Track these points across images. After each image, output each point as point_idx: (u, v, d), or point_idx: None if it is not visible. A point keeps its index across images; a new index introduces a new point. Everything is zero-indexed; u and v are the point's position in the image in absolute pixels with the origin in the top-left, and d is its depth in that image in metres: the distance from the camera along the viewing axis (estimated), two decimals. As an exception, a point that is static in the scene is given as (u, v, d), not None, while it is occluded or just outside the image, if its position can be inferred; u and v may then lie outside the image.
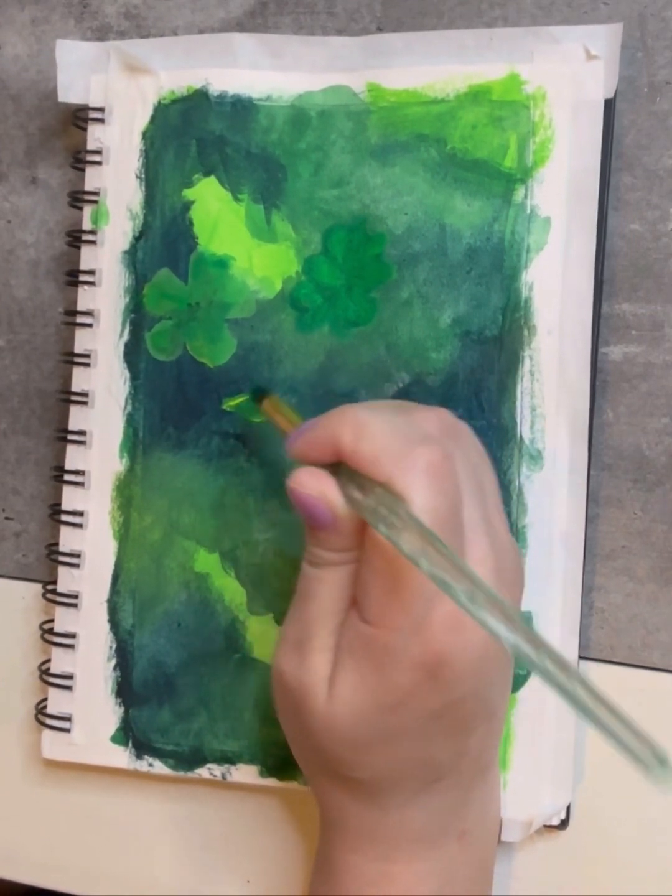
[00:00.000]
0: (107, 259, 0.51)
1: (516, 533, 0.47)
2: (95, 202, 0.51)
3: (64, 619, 0.52)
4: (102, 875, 0.53)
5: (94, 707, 0.51)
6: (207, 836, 0.52)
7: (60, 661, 0.52)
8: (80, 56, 0.52)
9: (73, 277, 0.52)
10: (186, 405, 0.50)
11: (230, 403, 0.49)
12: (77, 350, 0.52)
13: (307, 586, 0.41)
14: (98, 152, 0.51)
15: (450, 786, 0.42)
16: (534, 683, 0.46)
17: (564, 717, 0.46)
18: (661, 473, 0.47)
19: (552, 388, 0.46)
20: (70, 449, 0.52)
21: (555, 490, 0.46)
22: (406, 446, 0.38)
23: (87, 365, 0.51)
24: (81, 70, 0.52)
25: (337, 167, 0.49)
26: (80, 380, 0.52)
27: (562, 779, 0.46)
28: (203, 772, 0.50)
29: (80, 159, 0.52)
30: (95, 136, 0.52)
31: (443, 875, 0.43)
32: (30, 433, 0.55)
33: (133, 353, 0.51)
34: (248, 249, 0.50)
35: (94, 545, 0.51)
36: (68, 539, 0.52)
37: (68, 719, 0.51)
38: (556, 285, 0.46)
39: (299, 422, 0.43)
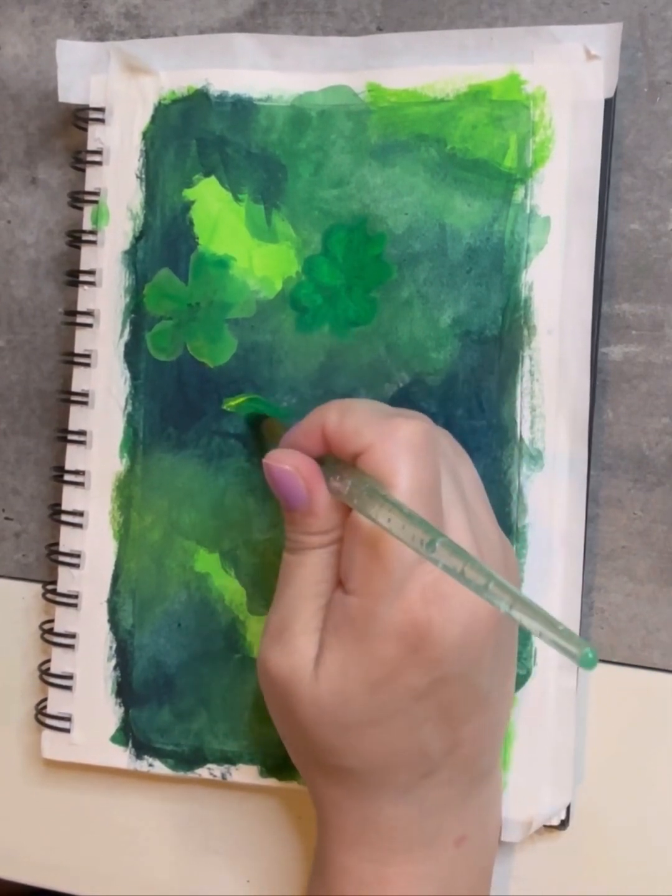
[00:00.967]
0: (107, 259, 0.51)
1: (516, 533, 0.47)
2: (95, 202, 0.51)
3: (64, 619, 0.52)
4: (102, 875, 0.53)
5: (94, 707, 0.51)
6: (207, 836, 0.52)
7: (60, 661, 0.52)
8: (81, 56, 0.52)
9: (74, 277, 0.52)
10: (187, 405, 0.50)
11: (230, 403, 0.49)
12: (77, 350, 0.52)
13: (287, 573, 0.42)
14: (98, 152, 0.51)
15: (444, 782, 0.41)
16: (534, 684, 0.46)
17: (564, 717, 0.46)
18: (661, 473, 0.47)
19: (552, 388, 0.46)
20: (70, 449, 0.52)
21: (555, 490, 0.46)
22: (387, 418, 0.39)
23: (88, 365, 0.51)
24: (81, 70, 0.52)
25: (337, 167, 0.49)
26: (80, 380, 0.52)
27: (562, 779, 0.46)
28: (203, 772, 0.50)
29: (80, 159, 0.52)
30: (96, 136, 0.52)
31: (440, 880, 0.42)
32: (30, 433, 0.55)
33: (133, 353, 0.51)
34: (249, 249, 0.50)
35: (94, 545, 0.51)
36: (68, 539, 0.52)
37: (68, 719, 0.51)
38: (556, 285, 0.46)
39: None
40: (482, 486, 0.43)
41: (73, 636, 0.51)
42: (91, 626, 0.51)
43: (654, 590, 0.47)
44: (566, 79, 0.46)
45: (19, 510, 0.55)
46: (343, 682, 0.39)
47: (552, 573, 0.46)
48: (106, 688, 0.51)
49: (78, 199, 0.52)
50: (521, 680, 0.46)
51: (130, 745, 0.51)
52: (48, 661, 0.52)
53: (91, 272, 0.51)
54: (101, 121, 0.51)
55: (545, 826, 0.47)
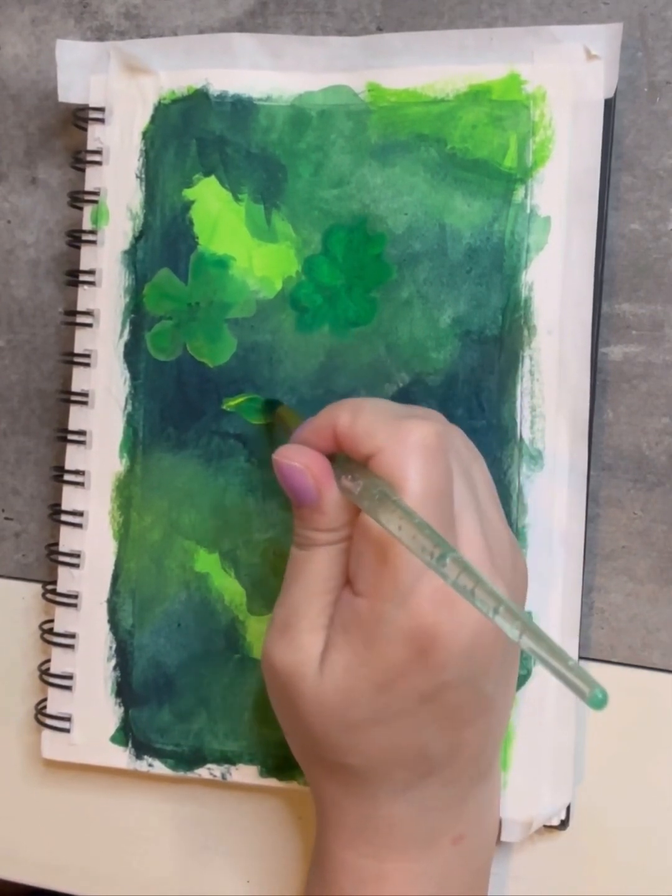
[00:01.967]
0: (107, 259, 0.51)
1: (516, 533, 0.47)
2: (95, 202, 0.51)
3: (64, 619, 0.52)
4: (102, 875, 0.53)
5: (93, 707, 0.51)
6: (207, 836, 0.52)
7: (60, 662, 0.52)
8: (80, 56, 0.52)
9: (73, 277, 0.52)
10: (186, 405, 0.50)
11: (230, 403, 0.49)
12: (77, 350, 0.52)
13: (294, 568, 0.42)
14: (98, 152, 0.51)
15: (444, 782, 0.41)
16: (534, 684, 0.46)
17: (564, 717, 0.46)
18: (661, 473, 0.47)
19: (552, 388, 0.46)
20: (70, 449, 0.52)
21: (555, 490, 0.46)
22: (400, 420, 0.39)
23: (87, 365, 0.51)
24: (81, 70, 0.52)
25: (337, 167, 0.49)
26: (80, 380, 0.52)
27: (562, 779, 0.46)
28: (203, 772, 0.50)
29: (80, 159, 0.52)
30: (95, 136, 0.52)
31: (437, 878, 0.42)
32: (30, 433, 0.55)
33: (133, 353, 0.51)
34: (249, 249, 0.50)
35: (93, 545, 0.51)
36: (68, 539, 0.52)
37: (68, 719, 0.51)
38: (556, 285, 0.46)
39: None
40: (493, 485, 0.43)
41: (72, 636, 0.51)
42: (91, 626, 0.51)
43: (654, 590, 0.47)
44: (566, 79, 0.46)
45: (19, 510, 0.55)
46: (348, 682, 0.39)
47: (552, 573, 0.46)
48: (106, 688, 0.51)
49: (78, 198, 0.52)
50: (521, 680, 0.46)
51: (130, 745, 0.51)
52: (48, 661, 0.52)
53: (91, 272, 0.51)
54: (101, 121, 0.51)
55: (545, 826, 0.47)
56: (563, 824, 0.47)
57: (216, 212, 0.50)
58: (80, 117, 0.52)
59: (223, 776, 0.50)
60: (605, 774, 0.47)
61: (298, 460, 0.41)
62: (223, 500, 0.50)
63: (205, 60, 0.50)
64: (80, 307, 0.52)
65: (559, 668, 0.31)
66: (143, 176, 0.51)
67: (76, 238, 0.52)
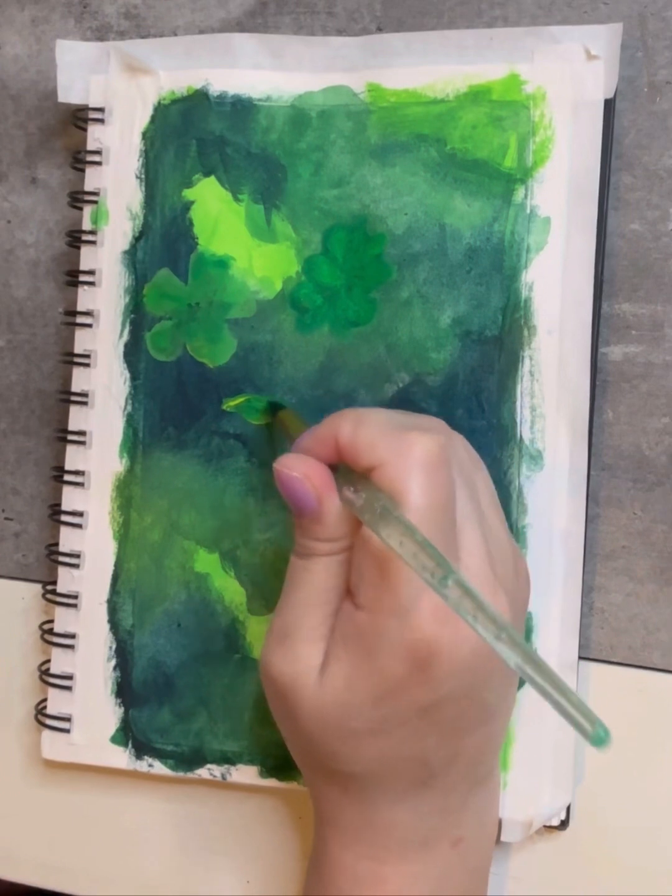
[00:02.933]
0: (107, 259, 0.51)
1: (516, 533, 0.47)
2: (95, 202, 0.51)
3: (64, 620, 0.52)
4: (102, 875, 0.53)
5: (93, 707, 0.51)
6: (207, 836, 0.52)
7: (60, 662, 0.52)
8: (80, 56, 0.52)
9: (73, 277, 0.52)
10: (186, 405, 0.50)
11: (230, 403, 0.49)
12: (77, 350, 0.52)
13: (294, 577, 0.41)
14: (98, 152, 0.51)
15: (444, 788, 0.42)
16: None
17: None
18: (661, 473, 0.47)
19: (552, 388, 0.46)
20: (70, 449, 0.52)
21: (555, 490, 0.46)
22: (402, 432, 0.39)
23: (87, 365, 0.51)
24: (81, 70, 0.52)
25: (337, 167, 0.49)
26: (79, 380, 0.52)
27: (562, 779, 0.46)
28: (203, 772, 0.50)
29: (80, 159, 0.52)
30: (95, 136, 0.52)
31: (435, 880, 0.42)
32: (30, 433, 0.55)
33: (133, 354, 0.51)
34: (249, 249, 0.50)
35: (93, 545, 0.51)
36: (68, 539, 0.52)
37: (68, 720, 0.51)
38: (556, 285, 0.46)
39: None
40: (495, 494, 0.43)
41: (72, 636, 0.51)
42: (91, 626, 0.51)
43: (654, 590, 0.47)
44: (566, 79, 0.46)
45: (19, 510, 0.55)
46: (348, 694, 0.39)
47: (552, 573, 0.46)
48: (106, 688, 0.51)
49: (78, 199, 0.52)
50: (521, 680, 0.46)
51: (130, 745, 0.51)
52: (48, 661, 0.52)
53: (91, 272, 0.51)
54: (101, 121, 0.51)
55: (545, 826, 0.47)
56: (563, 824, 0.47)
57: (216, 212, 0.50)
58: (79, 117, 0.52)
59: (223, 776, 0.50)
60: (605, 774, 0.47)
61: (299, 470, 0.40)
62: (223, 500, 0.50)
63: (205, 60, 0.50)
64: (80, 307, 0.52)
65: (561, 702, 0.31)
66: (143, 176, 0.51)
67: (76, 238, 0.52)
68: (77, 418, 0.52)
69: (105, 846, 0.53)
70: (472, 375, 0.47)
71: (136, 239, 0.51)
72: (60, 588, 0.52)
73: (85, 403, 0.51)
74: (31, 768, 0.54)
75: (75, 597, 0.51)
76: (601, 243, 0.46)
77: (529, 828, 0.46)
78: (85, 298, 0.52)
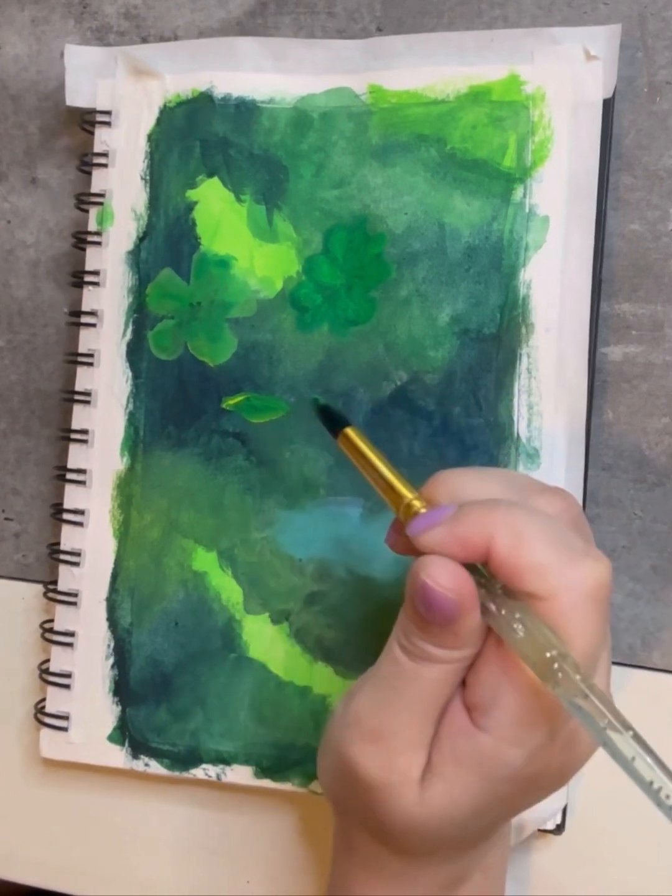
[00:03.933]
0: (111, 259, 0.52)
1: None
2: (101, 204, 0.52)
3: (64, 618, 0.52)
4: (102, 875, 0.53)
5: (91, 706, 0.51)
6: (207, 836, 0.52)
7: (60, 660, 0.52)
8: (88, 60, 0.53)
9: (77, 278, 0.52)
10: (187, 404, 0.50)
11: (230, 402, 0.50)
12: (80, 350, 0.52)
13: (400, 678, 0.37)
14: (104, 155, 0.52)
15: (476, 851, 0.41)
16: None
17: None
18: (661, 473, 0.47)
19: (550, 387, 0.46)
20: (72, 448, 0.52)
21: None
22: (573, 561, 0.34)
23: (91, 364, 0.52)
24: (89, 74, 0.53)
25: (338, 168, 0.49)
26: (83, 379, 0.52)
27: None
28: (198, 772, 0.50)
29: (86, 162, 0.52)
30: (102, 138, 0.52)
31: None
32: (30, 433, 0.55)
33: (135, 353, 0.51)
34: (250, 249, 0.50)
35: (94, 543, 0.51)
36: (69, 537, 0.52)
37: (66, 718, 0.51)
38: (555, 284, 0.46)
39: (383, 466, 0.39)
40: None
41: (72, 634, 0.51)
42: (90, 624, 0.51)
43: (654, 590, 0.47)
44: (566, 79, 0.46)
45: (19, 510, 0.55)
46: (451, 811, 0.36)
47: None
48: (104, 686, 0.51)
49: (84, 200, 0.52)
50: None
51: (127, 744, 0.51)
52: (48, 660, 0.52)
53: (95, 273, 0.52)
54: (108, 124, 0.52)
55: (540, 831, 0.47)
56: (559, 829, 0.46)
57: (219, 212, 0.50)
58: (87, 120, 0.52)
59: (218, 776, 0.50)
60: (602, 777, 0.47)
61: (450, 584, 0.35)
62: (222, 499, 0.50)
63: (209, 64, 0.51)
64: (84, 307, 0.52)
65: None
66: (148, 178, 0.51)
67: (81, 239, 0.52)
68: (80, 417, 0.52)
69: (104, 846, 0.53)
70: (470, 373, 0.47)
71: (140, 239, 0.51)
72: (61, 586, 0.52)
73: (88, 402, 0.52)
74: (30, 768, 0.54)
75: (75, 595, 0.51)
76: (601, 243, 0.46)
77: (522, 832, 0.46)
78: (89, 298, 0.52)
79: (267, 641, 0.49)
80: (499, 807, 0.37)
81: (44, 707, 0.52)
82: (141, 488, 0.51)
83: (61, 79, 0.53)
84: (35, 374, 0.55)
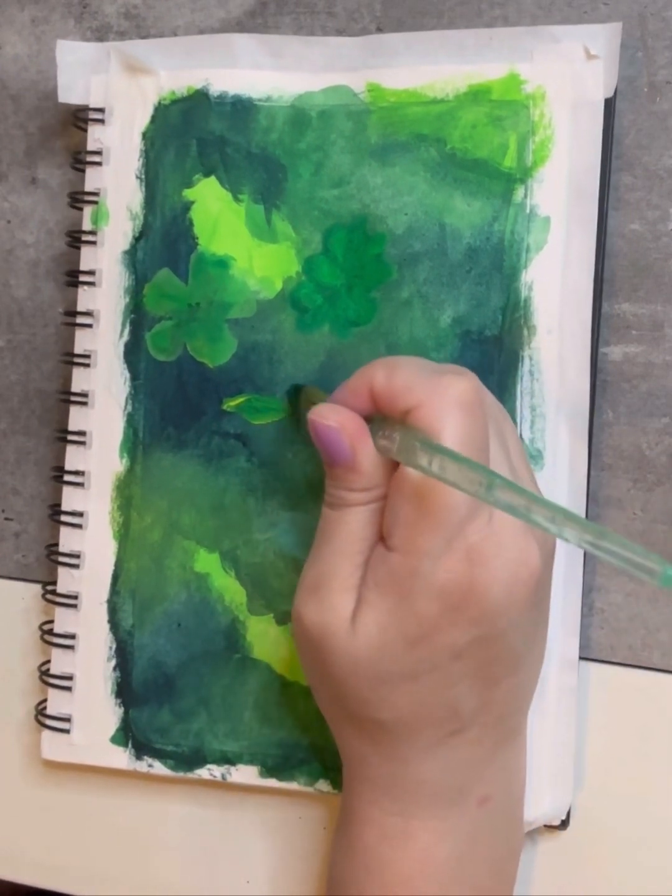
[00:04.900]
0: (107, 259, 0.51)
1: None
2: (95, 202, 0.51)
3: (64, 620, 0.52)
4: (102, 875, 0.53)
5: (93, 708, 0.51)
6: (207, 836, 0.52)
7: (60, 662, 0.52)
8: (81, 56, 0.52)
9: (73, 278, 0.52)
10: (186, 405, 0.50)
11: (230, 403, 0.49)
12: (77, 350, 0.52)
13: (327, 528, 0.42)
14: (98, 153, 0.51)
15: (471, 741, 0.42)
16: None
17: (565, 716, 0.46)
18: (661, 473, 0.47)
19: (552, 388, 0.46)
20: (70, 449, 0.52)
21: (555, 490, 0.46)
22: (438, 375, 0.39)
23: (87, 365, 0.51)
24: (82, 70, 0.52)
25: (337, 167, 0.49)
26: (80, 380, 0.52)
27: (562, 778, 0.46)
28: (203, 772, 0.50)
29: (80, 160, 0.52)
30: (95, 136, 0.52)
31: (462, 838, 0.43)
32: (30, 433, 0.55)
33: (133, 354, 0.51)
34: (249, 249, 0.50)
35: (93, 545, 0.51)
36: (68, 539, 0.52)
37: (68, 720, 0.51)
38: (556, 285, 0.46)
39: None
40: (524, 449, 0.44)
41: (72, 637, 0.51)
42: (91, 626, 0.51)
43: (654, 590, 0.47)
44: (566, 79, 0.46)
45: (19, 510, 0.55)
46: (381, 638, 0.39)
47: (553, 573, 0.46)
48: (106, 688, 0.51)
49: (78, 199, 0.52)
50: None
51: (130, 745, 0.51)
52: (48, 661, 0.52)
53: (91, 272, 0.51)
54: (101, 121, 0.51)
55: (545, 826, 0.47)
56: (564, 824, 0.47)
57: (216, 212, 0.50)
58: (80, 118, 0.52)
59: (223, 776, 0.50)
60: (605, 774, 0.47)
61: (333, 419, 0.41)
62: (223, 500, 0.50)
63: (205, 60, 0.50)
64: (80, 307, 0.52)
65: (630, 557, 0.31)
66: (144, 176, 0.51)
67: (76, 238, 0.52)
68: (77, 418, 0.52)
69: (105, 846, 0.53)
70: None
71: (137, 239, 0.51)
72: (60, 588, 0.52)
73: (85, 403, 0.51)
74: (31, 768, 0.54)
75: (75, 597, 0.51)
76: (601, 243, 0.46)
77: (529, 826, 0.46)
78: (85, 298, 0.52)
79: (271, 642, 0.49)
80: (431, 638, 0.39)
81: (45, 708, 0.52)
82: (141, 490, 0.51)
83: (61, 78, 0.53)
84: (35, 374, 0.55)
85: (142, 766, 0.51)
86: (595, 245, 0.46)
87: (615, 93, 0.46)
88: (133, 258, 0.51)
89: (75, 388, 0.52)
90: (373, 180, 0.48)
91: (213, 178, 0.50)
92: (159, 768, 0.50)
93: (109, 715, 0.51)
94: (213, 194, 0.50)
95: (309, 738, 0.49)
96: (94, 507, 0.51)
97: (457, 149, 0.47)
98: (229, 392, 0.50)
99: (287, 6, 0.51)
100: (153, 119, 0.51)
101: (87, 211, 0.52)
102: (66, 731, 0.51)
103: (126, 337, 0.51)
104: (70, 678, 0.51)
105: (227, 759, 0.50)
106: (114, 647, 0.51)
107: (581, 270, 0.46)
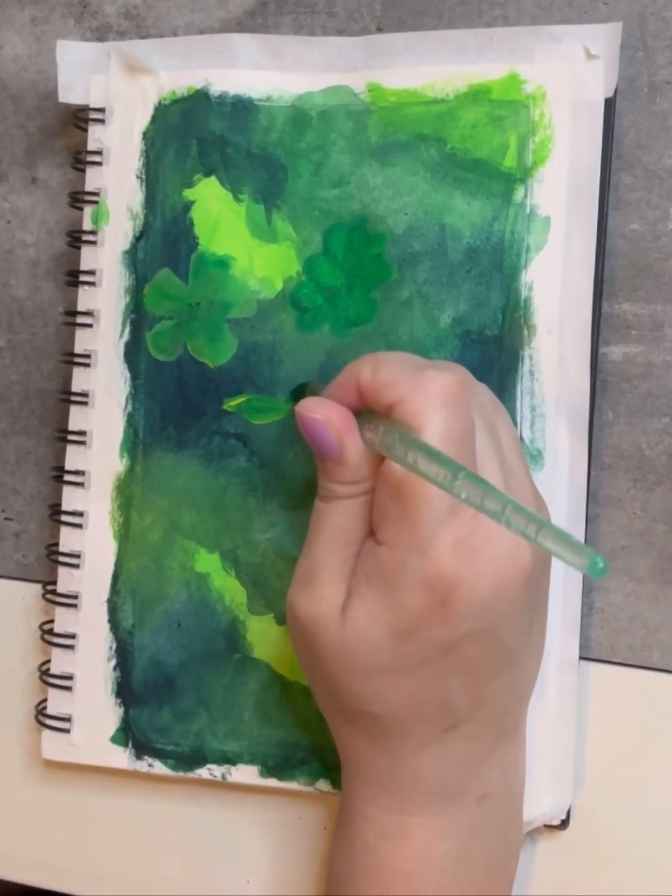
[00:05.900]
0: (107, 259, 0.51)
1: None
2: (96, 202, 0.51)
3: (64, 620, 0.52)
4: (102, 875, 0.53)
5: (93, 707, 0.51)
6: (207, 836, 0.52)
7: (60, 662, 0.52)
8: (81, 56, 0.52)
9: (74, 278, 0.52)
10: (187, 405, 0.50)
11: (230, 403, 0.49)
12: (77, 350, 0.52)
13: (318, 521, 0.43)
14: (98, 153, 0.51)
15: (467, 737, 0.42)
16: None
17: (565, 715, 0.46)
18: (661, 473, 0.47)
19: (552, 388, 0.46)
20: (70, 449, 0.52)
21: (555, 490, 0.46)
22: (421, 370, 0.40)
23: (88, 365, 0.51)
24: (82, 70, 0.52)
25: (337, 167, 0.49)
26: (80, 380, 0.52)
27: (562, 778, 0.46)
28: (203, 772, 0.50)
29: (80, 160, 0.52)
30: (96, 136, 0.52)
31: (461, 836, 0.43)
32: (30, 433, 0.55)
33: (133, 353, 0.51)
34: (249, 249, 0.50)
35: (93, 545, 0.51)
36: (68, 539, 0.52)
37: (68, 720, 0.51)
38: (556, 285, 0.46)
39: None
40: (519, 443, 0.44)
41: (72, 636, 0.51)
42: (91, 626, 0.51)
43: (654, 590, 0.47)
44: (566, 78, 0.46)
45: (19, 510, 0.55)
46: (370, 630, 0.40)
47: (552, 572, 0.46)
48: (106, 688, 0.51)
49: (78, 199, 0.52)
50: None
51: (130, 745, 0.51)
52: (48, 661, 0.52)
53: (91, 272, 0.51)
54: (102, 121, 0.51)
55: (545, 826, 0.47)
56: (564, 824, 0.47)
57: (216, 212, 0.50)
58: (80, 118, 0.52)
59: (223, 776, 0.50)
60: (605, 774, 0.47)
61: (320, 413, 0.41)
62: (223, 500, 0.50)
63: (205, 61, 0.50)
64: (80, 307, 0.52)
65: (567, 554, 0.32)
66: (144, 176, 0.51)
67: (76, 238, 0.52)
68: (77, 418, 0.52)
69: (105, 846, 0.53)
70: (473, 375, 0.47)
71: (137, 239, 0.51)
72: (60, 588, 0.52)
73: (85, 403, 0.51)
74: (31, 768, 0.54)
75: (75, 597, 0.51)
76: (601, 243, 0.47)
77: (529, 827, 0.46)
78: (85, 298, 0.52)
79: (272, 642, 0.49)
80: (420, 632, 0.39)
81: (45, 708, 0.52)
82: (141, 490, 0.51)
83: (61, 78, 0.53)
84: (35, 373, 0.55)
85: (142, 765, 0.51)
86: (595, 245, 0.46)
87: (615, 93, 0.46)
88: (133, 258, 0.51)
89: (75, 387, 0.52)
90: (373, 180, 0.48)
91: (213, 178, 0.50)
92: (159, 768, 0.50)
93: (109, 715, 0.51)
94: (214, 194, 0.50)
95: (309, 738, 0.49)
96: (94, 506, 0.51)
97: (457, 149, 0.47)
98: (230, 392, 0.50)
99: (287, 6, 0.51)
100: (153, 119, 0.51)
101: (88, 211, 0.52)
102: (67, 731, 0.51)
103: (126, 337, 0.51)
104: (70, 678, 0.51)
105: (228, 759, 0.50)
106: (114, 646, 0.51)
107: (581, 270, 0.46)
